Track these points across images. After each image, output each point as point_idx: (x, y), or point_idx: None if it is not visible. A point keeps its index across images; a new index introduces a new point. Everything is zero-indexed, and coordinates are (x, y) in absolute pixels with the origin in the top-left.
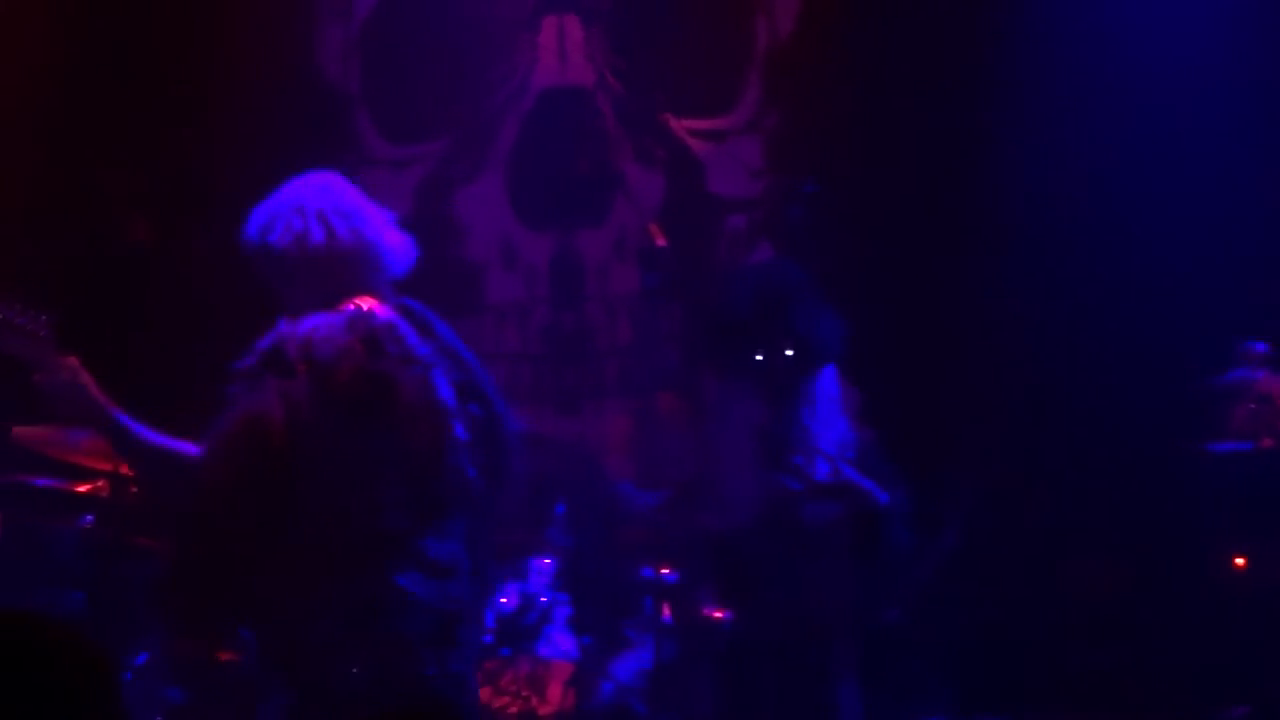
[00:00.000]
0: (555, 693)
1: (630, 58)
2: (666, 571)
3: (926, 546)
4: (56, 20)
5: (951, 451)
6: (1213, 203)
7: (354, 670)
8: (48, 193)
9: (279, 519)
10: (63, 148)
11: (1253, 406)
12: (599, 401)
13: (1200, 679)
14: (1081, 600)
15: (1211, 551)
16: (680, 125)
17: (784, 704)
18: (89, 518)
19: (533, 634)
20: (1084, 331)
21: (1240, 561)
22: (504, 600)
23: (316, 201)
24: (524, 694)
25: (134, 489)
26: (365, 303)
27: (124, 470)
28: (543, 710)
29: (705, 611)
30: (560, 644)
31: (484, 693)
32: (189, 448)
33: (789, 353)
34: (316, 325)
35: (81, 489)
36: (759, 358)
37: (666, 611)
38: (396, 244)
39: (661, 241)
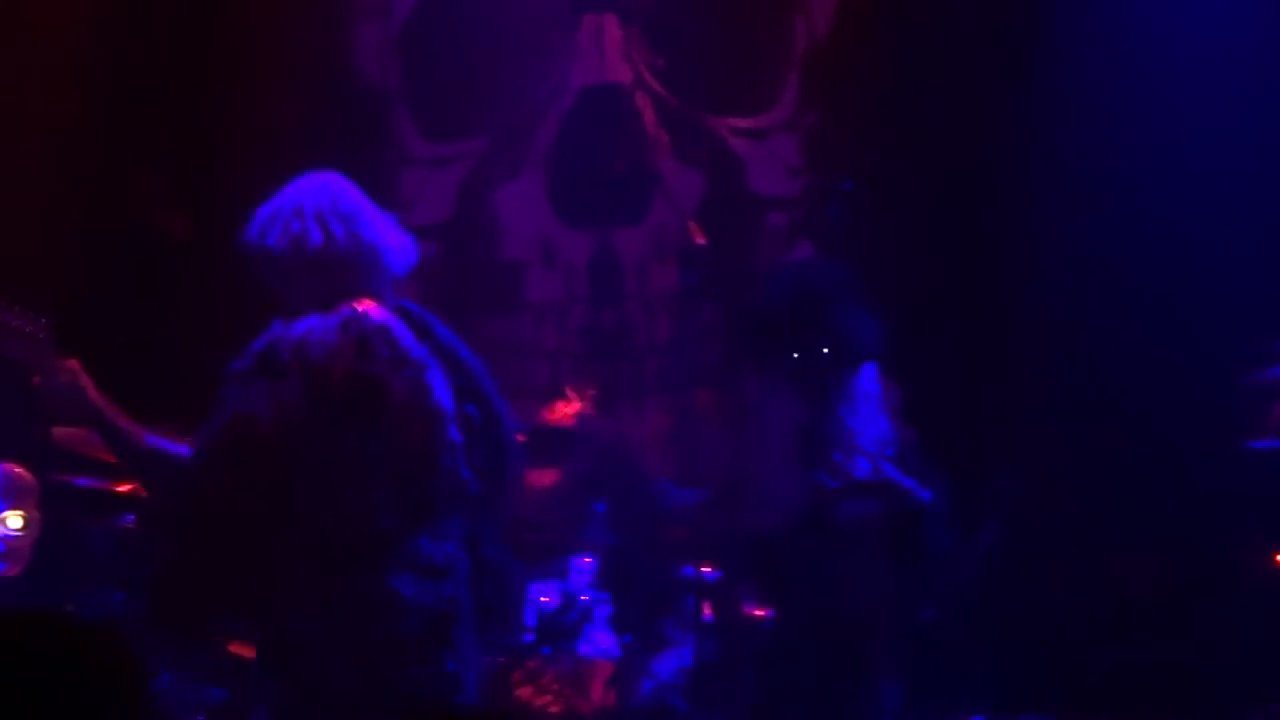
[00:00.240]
0: (596, 691)
1: (669, 56)
2: (707, 570)
3: (966, 544)
4: (97, 18)
5: (990, 449)
6: (1252, 199)
7: (344, 670)
8: (87, 191)
9: (269, 520)
10: (102, 146)
11: None
12: (638, 400)
13: (1240, 677)
14: (1121, 598)
15: (1251, 549)
16: (720, 123)
17: (824, 702)
18: (129, 517)
19: (573, 633)
20: (1122, 328)
21: None
22: (545, 599)
23: (315, 204)
24: (565, 692)
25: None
26: (362, 305)
27: None
28: (584, 709)
29: (746, 609)
30: (601, 643)
31: (525, 691)
32: (187, 451)
33: (828, 351)
34: (310, 328)
35: (122, 489)
36: (798, 356)
37: (707, 610)
38: (397, 245)
39: (701, 240)
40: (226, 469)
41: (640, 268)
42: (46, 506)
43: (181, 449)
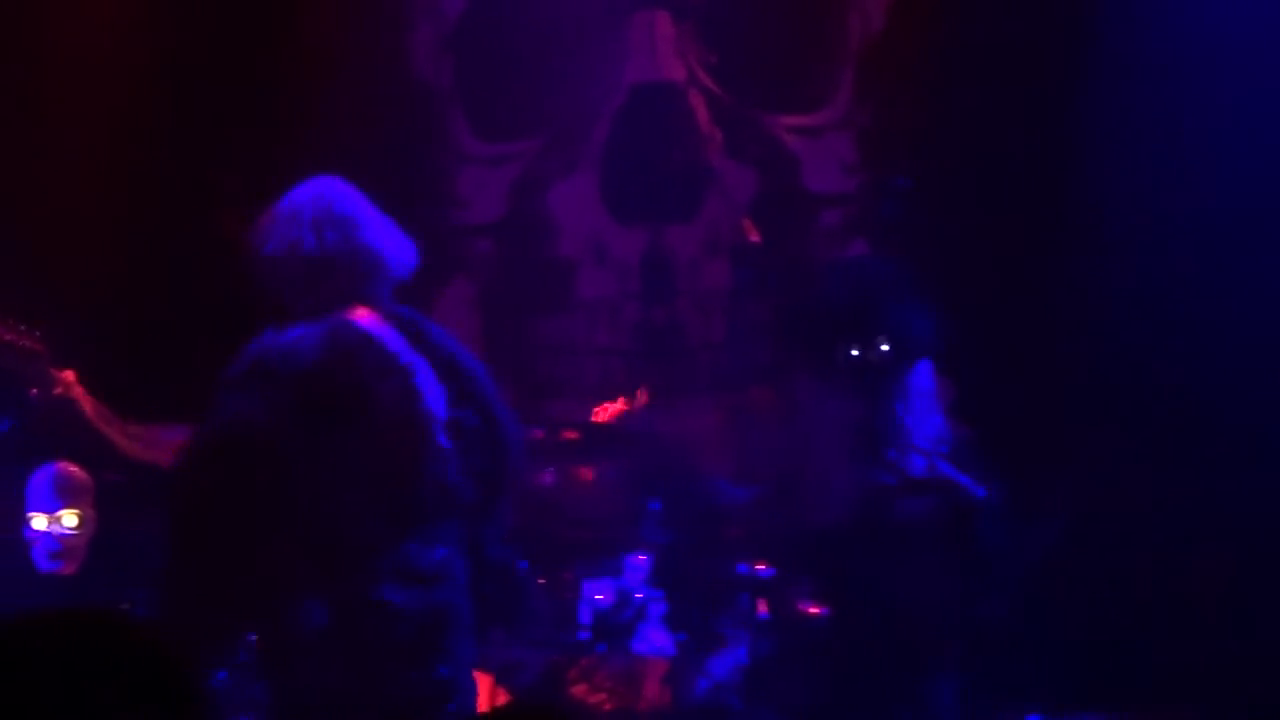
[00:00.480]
0: (651, 689)
1: (722, 53)
2: (762, 567)
3: (1024, 541)
4: (153, 20)
5: (1048, 445)
6: None
7: (336, 676)
8: (143, 192)
9: (256, 527)
10: (158, 148)
11: None
12: (692, 398)
13: None
14: (1180, 594)
15: None
16: (774, 121)
17: (881, 700)
18: None
19: (628, 631)
20: (1181, 322)
21: None
22: (600, 597)
23: (310, 210)
24: (619, 690)
25: None
26: (355, 312)
27: None
28: (638, 707)
29: (801, 607)
30: (655, 641)
31: (580, 689)
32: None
33: (884, 348)
34: (297, 336)
35: None
36: (854, 353)
37: (762, 607)
38: (394, 250)
39: (754, 237)
40: (211, 476)
41: (693, 265)
42: (101, 505)
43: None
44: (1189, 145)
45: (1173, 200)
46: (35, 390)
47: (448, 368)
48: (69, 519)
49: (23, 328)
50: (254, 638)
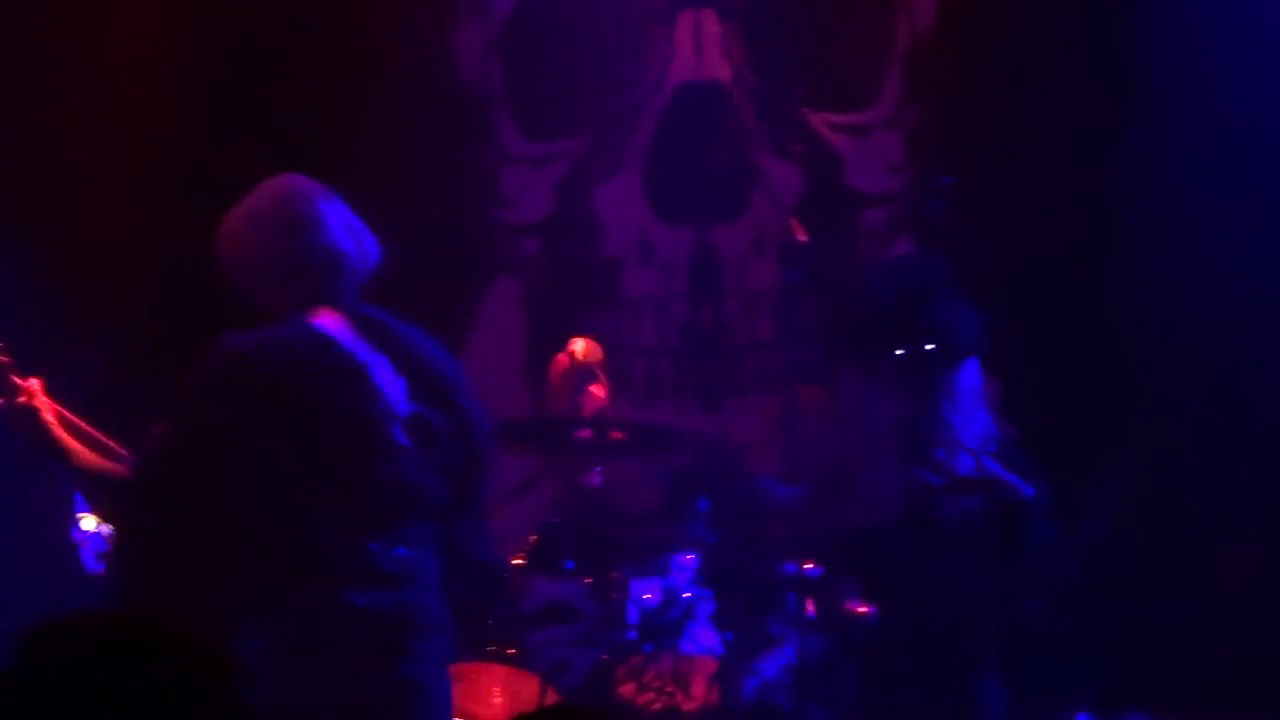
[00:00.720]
0: (699, 688)
1: (768, 52)
2: (809, 566)
3: (1070, 539)
4: (195, 20)
5: (1094, 444)
6: None
7: (299, 680)
8: (187, 193)
9: (210, 535)
10: (206, 151)
11: None
12: (740, 397)
13: None
14: (1228, 592)
15: None
16: (819, 119)
17: (928, 698)
18: None
19: (676, 630)
20: (1227, 322)
21: None
22: (647, 596)
23: (273, 212)
24: (668, 690)
25: None
26: (315, 314)
27: None
28: (687, 706)
29: (849, 606)
30: (703, 640)
31: (628, 688)
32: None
33: (930, 346)
34: (252, 341)
35: None
36: (900, 352)
37: (810, 607)
38: (358, 249)
39: (802, 236)
40: (167, 483)
41: (740, 264)
42: None
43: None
44: (1239, 144)
45: (1221, 199)
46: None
47: (412, 366)
48: None
49: None
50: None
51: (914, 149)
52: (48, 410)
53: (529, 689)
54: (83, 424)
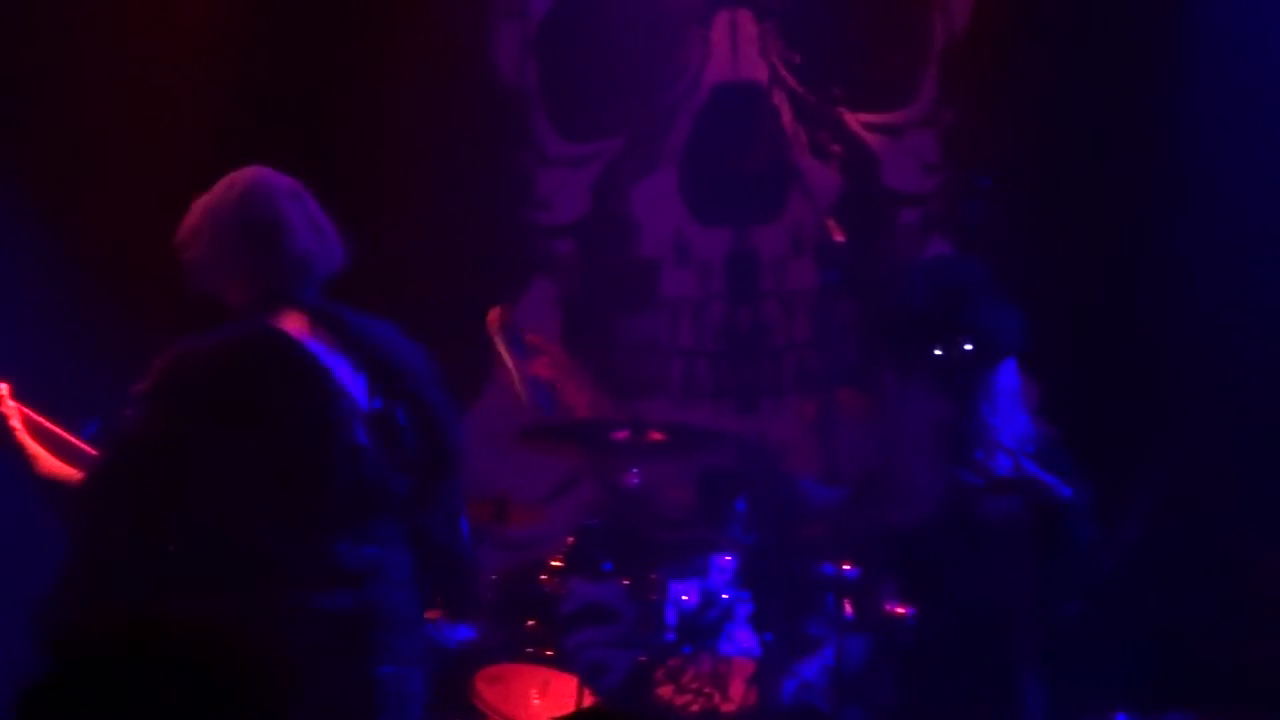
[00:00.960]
0: (737, 690)
1: (804, 52)
2: (848, 567)
3: (1108, 539)
4: (230, 20)
5: (1133, 444)
6: None
7: None
8: None
9: (164, 540)
10: (238, 148)
11: None
12: (777, 397)
13: None
14: (1269, 593)
15: None
16: (855, 119)
17: (967, 699)
18: None
19: (714, 631)
20: (1268, 324)
21: None
22: (685, 598)
23: (233, 213)
24: (706, 691)
25: None
26: (274, 314)
27: None
28: (725, 708)
29: (887, 607)
30: (742, 641)
31: (666, 690)
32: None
33: (968, 347)
34: (208, 343)
35: None
36: (938, 352)
37: (848, 608)
38: (320, 250)
39: (839, 237)
40: (121, 488)
41: (778, 265)
42: None
43: None
44: None
45: (1263, 198)
46: None
47: (375, 362)
48: None
49: None
50: None
51: (949, 148)
52: (14, 415)
53: (567, 691)
54: (53, 428)
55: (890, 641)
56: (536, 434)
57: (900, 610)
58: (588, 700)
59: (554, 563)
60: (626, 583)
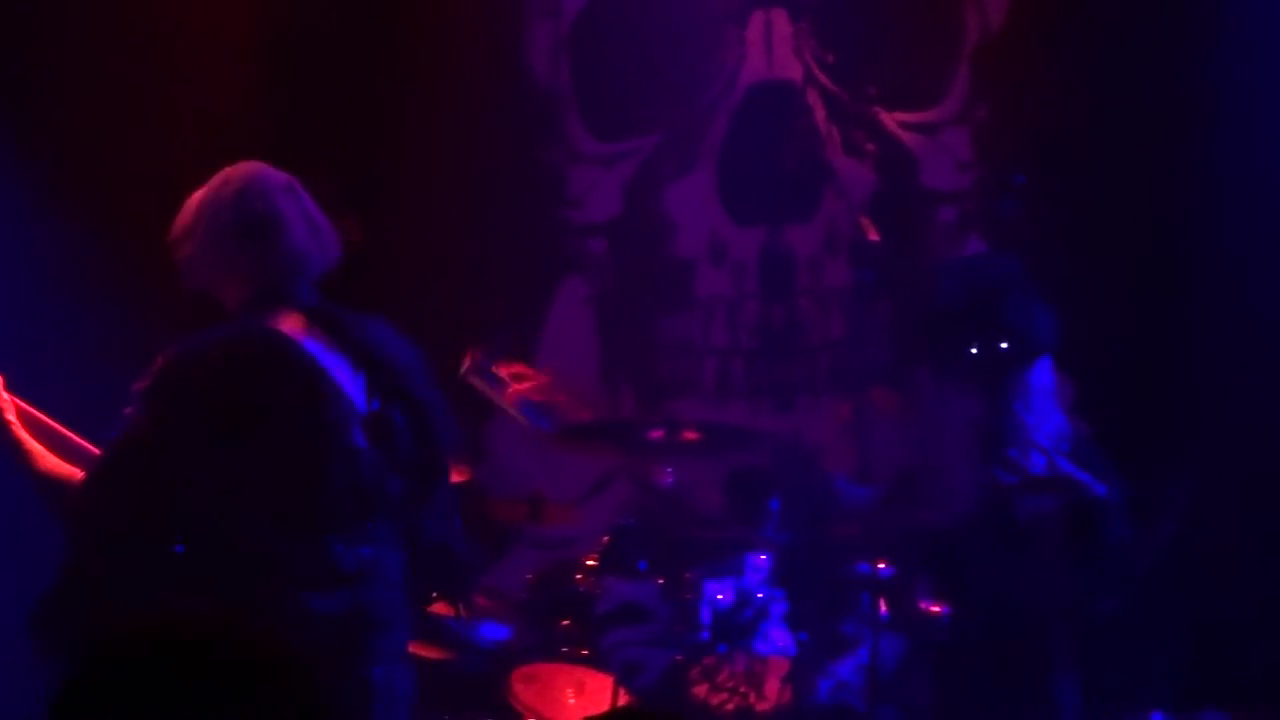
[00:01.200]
0: (772, 689)
1: (839, 51)
2: (883, 566)
3: (1143, 537)
4: (268, 22)
5: (1169, 441)
6: None
7: None
8: None
9: (163, 541)
10: (275, 150)
11: None
12: (813, 397)
13: None
14: None
15: None
16: (890, 118)
17: (1002, 698)
18: None
19: (749, 630)
20: None
21: None
22: (720, 597)
23: (228, 211)
24: (741, 690)
25: None
26: (274, 312)
27: None
28: (760, 707)
29: (922, 606)
30: (777, 640)
31: (701, 689)
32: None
33: (1003, 345)
34: (204, 343)
35: None
36: (973, 351)
37: (883, 607)
38: (316, 248)
39: (874, 236)
40: (117, 489)
41: (813, 264)
42: None
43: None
44: None
45: None
46: None
47: (371, 361)
48: None
49: None
50: None
51: (983, 146)
52: (9, 409)
53: (602, 690)
54: (53, 424)
55: (925, 640)
56: (572, 434)
57: (935, 609)
58: (623, 700)
59: (589, 562)
60: (661, 582)
